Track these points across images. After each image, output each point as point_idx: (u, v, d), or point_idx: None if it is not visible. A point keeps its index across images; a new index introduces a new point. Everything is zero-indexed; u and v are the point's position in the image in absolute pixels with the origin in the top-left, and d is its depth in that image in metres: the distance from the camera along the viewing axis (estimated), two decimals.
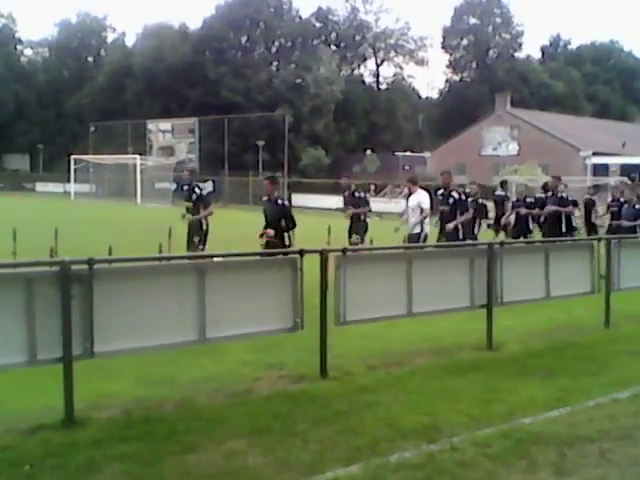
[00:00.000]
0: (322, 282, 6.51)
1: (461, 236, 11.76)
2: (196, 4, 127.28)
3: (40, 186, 63.54)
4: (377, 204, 42.89)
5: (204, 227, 11.89)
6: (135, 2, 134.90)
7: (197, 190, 12.00)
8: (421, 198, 11.93)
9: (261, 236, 10.00)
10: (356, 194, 13.56)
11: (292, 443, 4.82)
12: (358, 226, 13.33)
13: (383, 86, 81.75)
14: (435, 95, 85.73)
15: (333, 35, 79.08)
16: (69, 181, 52.73)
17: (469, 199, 13.94)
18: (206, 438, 4.88)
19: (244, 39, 75.93)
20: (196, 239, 11.76)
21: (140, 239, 12.12)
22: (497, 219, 16.18)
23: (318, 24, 78.73)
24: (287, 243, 9.94)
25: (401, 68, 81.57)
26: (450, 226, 11.65)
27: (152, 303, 5.60)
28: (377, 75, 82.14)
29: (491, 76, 73.12)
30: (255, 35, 75.57)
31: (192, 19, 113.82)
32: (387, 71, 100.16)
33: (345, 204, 13.73)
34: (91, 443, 4.73)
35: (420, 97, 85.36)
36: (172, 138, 63.56)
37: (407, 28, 79.54)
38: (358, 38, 79.08)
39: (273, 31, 75.36)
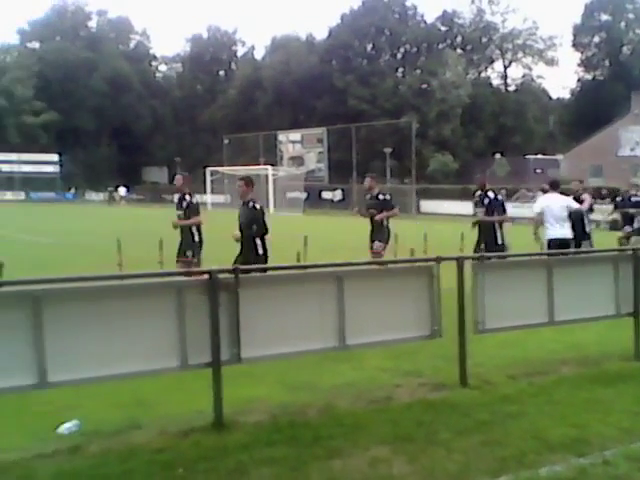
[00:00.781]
0: (459, 289, 6.44)
1: (500, 241, 11.04)
2: (322, 14, 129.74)
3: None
4: (509, 209, 42.08)
5: (196, 239, 11.25)
6: (263, 15, 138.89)
7: (187, 197, 11.31)
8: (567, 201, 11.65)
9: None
10: (380, 196, 12.26)
11: (436, 452, 4.79)
12: (381, 232, 12.17)
13: (512, 88, 79.95)
14: (567, 95, 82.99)
15: (459, 38, 78.16)
16: (205, 192, 54.76)
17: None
18: (350, 444, 4.93)
19: (369, 47, 76.44)
20: (189, 253, 11.17)
21: (276, 247, 12.37)
22: None
23: (443, 28, 78.07)
24: (260, 252, 9.15)
25: (530, 69, 79.53)
26: (486, 219, 11.10)
27: (294, 310, 5.73)
28: (505, 77, 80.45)
29: (625, 74, 69.76)
30: (380, 42, 75.92)
31: (318, 29, 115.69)
32: (515, 72, 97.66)
33: (367, 207, 12.46)
34: (240, 447, 4.85)
35: (551, 98, 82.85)
36: (301, 148, 64.77)
37: (535, 27, 77.50)
38: (485, 40, 77.76)
39: (398, 37, 75.43)
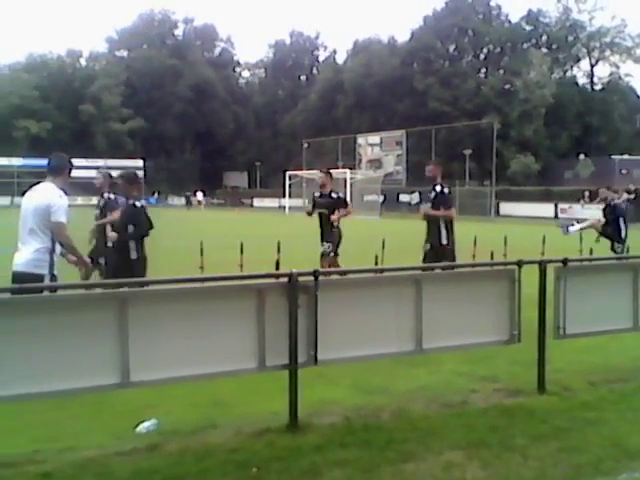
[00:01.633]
0: (540, 294, 6.32)
1: (444, 241, 9.85)
2: (404, 17, 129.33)
3: (257, 201, 67.67)
4: (592, 211, 40.96)
5: (108, 244, 9.63)
6: (345, 19, 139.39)
7: (105, 195, 10.24)
8: None
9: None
10: (333, 194, 11.40)
11: (511, 458, 4.74)
12: (331, 234, 11.24)
13: (598, 87, 77.89)
14: None
15: (544, 37, 76.74)
16: (284, 196, 55.37)
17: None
18: (423, 448, 4.91)
19: (452, 48, 75.96)
20: (102, 261, 9.91)
21: (354, 250, 12.40)
22: None
23: (528, 27, 76.86)
24: (133, 256, 8.37)
25: (617, 67, 77.33)
26: (430, 212, 9.91)
27: (371, 313, 5.75)
28: (591, 76, 78.39)
29: None
30: (463, 43, 75.29)
31: (400, 32, 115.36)
32: (602, 71, 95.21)
33: (314, 206, 11.59)
34: (313, 448, 4.89)
35: (638, 96, 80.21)
36: (380, 151, 64.74)
37: (624, 25, 75.31)
38: (571, 39, 76.04)
39: (481, 38, 74.63)
